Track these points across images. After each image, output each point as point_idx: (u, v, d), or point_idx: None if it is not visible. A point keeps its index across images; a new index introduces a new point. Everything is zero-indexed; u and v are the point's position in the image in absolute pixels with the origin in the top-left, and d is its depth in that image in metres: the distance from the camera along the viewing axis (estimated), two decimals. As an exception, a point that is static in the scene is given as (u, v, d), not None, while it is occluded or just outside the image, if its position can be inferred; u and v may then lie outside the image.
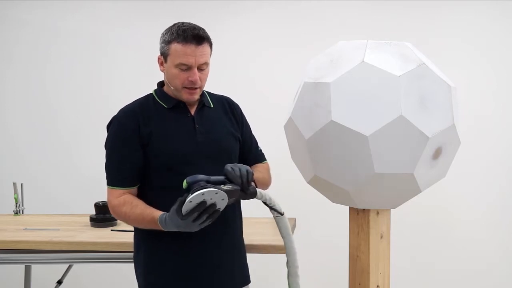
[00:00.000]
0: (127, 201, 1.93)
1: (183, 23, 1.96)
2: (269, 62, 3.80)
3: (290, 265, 2.03)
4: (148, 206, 1.90)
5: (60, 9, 3.94)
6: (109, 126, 2.03)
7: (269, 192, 1.96)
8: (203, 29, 1.97)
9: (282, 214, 1.99)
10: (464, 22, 3.69)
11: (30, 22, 3.95)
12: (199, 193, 1.70)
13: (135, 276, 2.08)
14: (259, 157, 2.22)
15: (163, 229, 1.83)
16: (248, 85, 3.78)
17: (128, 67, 3.86)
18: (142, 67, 3.64)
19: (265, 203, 1.97)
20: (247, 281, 2.13)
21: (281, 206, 1.99)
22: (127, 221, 1.97)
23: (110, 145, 2.00)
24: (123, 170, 1.96)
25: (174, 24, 1.96)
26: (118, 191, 1.96)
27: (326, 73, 1.99)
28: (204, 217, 1.74)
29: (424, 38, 3.45)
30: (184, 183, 1.74)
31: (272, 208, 1.97)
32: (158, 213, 1.85)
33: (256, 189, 1.89)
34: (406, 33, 3.55)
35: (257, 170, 2.13)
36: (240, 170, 1.82)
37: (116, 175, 1.97)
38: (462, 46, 3.68)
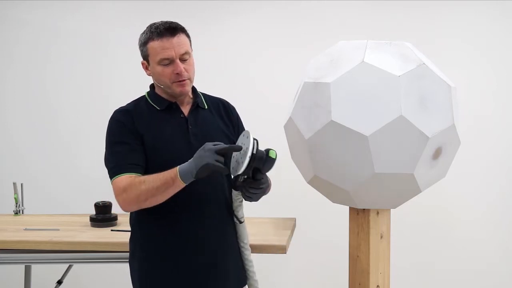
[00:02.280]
0: (137, 176, 1.88)
1: (154, 22, 1.97)
2: (269, 62, 3.80)
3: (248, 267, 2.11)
4: None
5: (60, 9, 3.94)
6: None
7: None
8: (176, 22, 1.97)
9: (241, 223, 2.06)
10: (464, 22, 3.68)
11: (30, 22, 3.95)
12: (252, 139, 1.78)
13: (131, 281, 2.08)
14: None
15: (180, 178, 1.79)
16: (248, 85, 3.78)
17: (128, 67, 3.85)
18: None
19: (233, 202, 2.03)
20: (243, 282, 2.13)
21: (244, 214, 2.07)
22: (142, 189, 1.84)
23: (110, 140, 1.97)
24: (128, 157, 1.92)
25: (147, 26, 1.98)
26: (124, 175, 1.89)
27: (326, 73, 1.99)
28: (222, 158, 1.76)
29: (424, 38, 3.45)
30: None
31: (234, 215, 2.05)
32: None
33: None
34: (406, 33, 3.55)
35: None
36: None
37: (121, 163, 1.91)
38: (462, 46, 3.67)
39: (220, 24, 3.83)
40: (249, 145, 1.77)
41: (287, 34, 3.78)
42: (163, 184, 1.82)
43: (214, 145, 1.79)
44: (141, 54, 2.00)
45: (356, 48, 2.02)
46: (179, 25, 1.97)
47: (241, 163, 1.78)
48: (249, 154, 1.76)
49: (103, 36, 3.92)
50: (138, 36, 2.01)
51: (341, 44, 2.10)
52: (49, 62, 3.96)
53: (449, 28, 3.68)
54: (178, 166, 1.82)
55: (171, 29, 1.93)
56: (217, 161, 1.75)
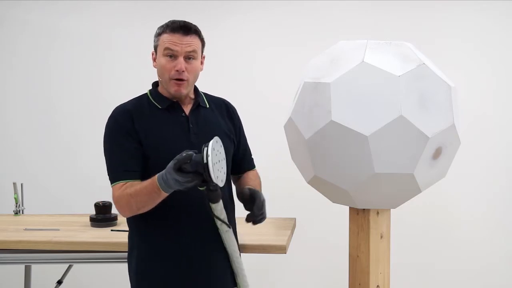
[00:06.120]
0: (128, 185, 1.91)
1: (175, 19, 2.00)
2: (269, 62, 3.80)
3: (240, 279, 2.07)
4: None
5: (60, 9, 3.94)
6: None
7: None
8: (194, 24, 1.99)
9: (230, 228, 1.99)
10: (464, 22, 3.69)
11: (30, 22, 3.96)
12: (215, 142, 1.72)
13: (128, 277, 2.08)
14: (251, 164, 2.22)
15: (161, 189, 1.79)
16: (248, 85, 3.78)
17: (128, 67, 3.86)
18: (143, 67, 3.63)
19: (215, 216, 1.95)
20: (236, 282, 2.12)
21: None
22: (131, 202, 1.88)
23: (109, 142, 1.99)
24: (125, 163, 1.94)
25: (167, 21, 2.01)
26: (118, 184, 1.93)
27: (326, 73, 1.99)
28: (189, 176, 1.73)
29: (424, 38, 3.45)
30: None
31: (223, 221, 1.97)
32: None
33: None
34: (406, 33, 3.54)
35: (250, 178, 2.14)
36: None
37: (119, 169, 1.94)
38: (462, 46, 3.68)
39: (220, 24, 3.83)
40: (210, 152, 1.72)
41: (287, 34, 3.78)
42: (150, 197, 1.85)
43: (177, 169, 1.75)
44: (153, 44, 2.02)
45: (356, 48, 2.02)
46: (195, 27, 1.99)
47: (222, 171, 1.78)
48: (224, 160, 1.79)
49: (103, 36, 3.92)
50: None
51: (341, 44, 2.10)
52: (49, 62, 3.96)
53: (449, 28, 3.68)
54: (157, 180, 1.79)
55: (185, 28, 1.95)
56: (186, 182, 1.73)
